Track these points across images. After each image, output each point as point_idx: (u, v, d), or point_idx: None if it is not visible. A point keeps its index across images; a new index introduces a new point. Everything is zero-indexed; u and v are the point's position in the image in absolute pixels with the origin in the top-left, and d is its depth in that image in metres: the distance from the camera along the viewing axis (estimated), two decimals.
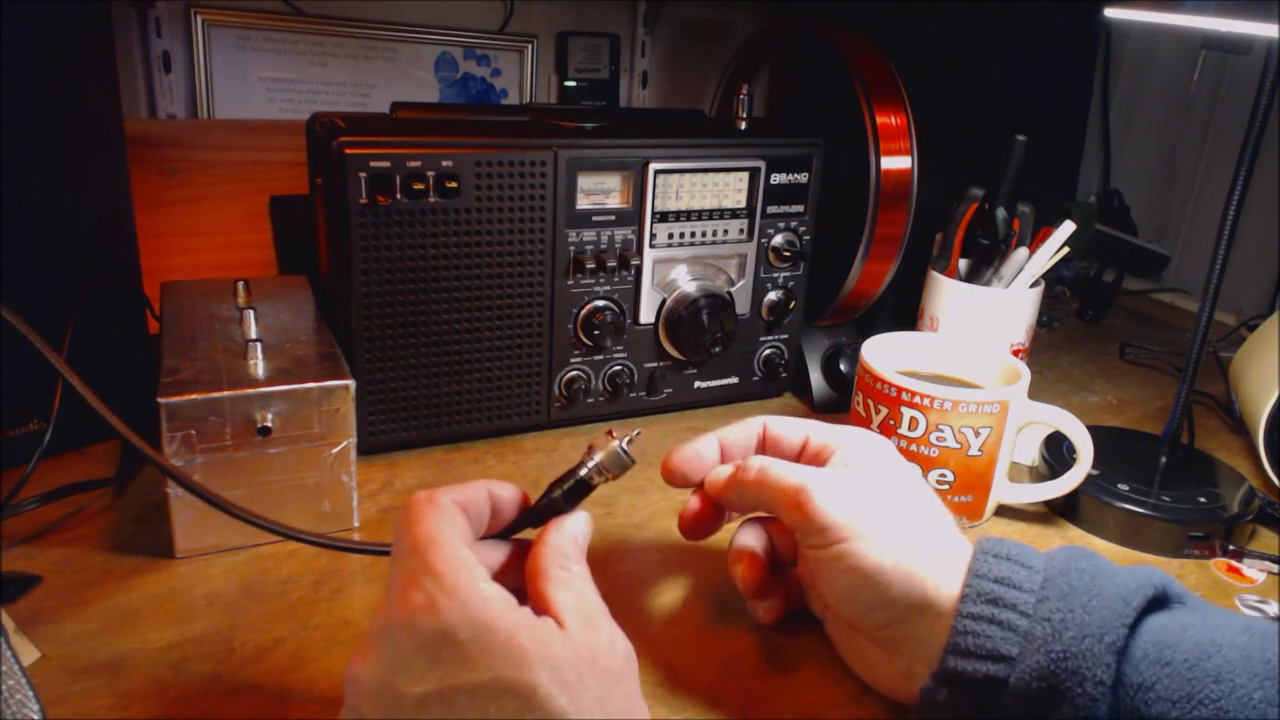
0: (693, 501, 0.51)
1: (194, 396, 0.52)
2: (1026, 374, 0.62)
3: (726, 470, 0.49)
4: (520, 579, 0.39)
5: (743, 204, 0.73)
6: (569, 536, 0.40)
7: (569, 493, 0.42)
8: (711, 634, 0.51)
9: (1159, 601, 0.41)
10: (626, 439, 0.43)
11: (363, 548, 0.49)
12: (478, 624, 0.33)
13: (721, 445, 0.51)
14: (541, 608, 0.36)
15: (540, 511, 0.42)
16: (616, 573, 0.56)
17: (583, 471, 0.42)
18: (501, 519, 0.41)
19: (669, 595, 0.54)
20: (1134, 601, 0.40)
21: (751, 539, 0.51)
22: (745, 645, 0.50)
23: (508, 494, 0.41)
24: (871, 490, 0.45)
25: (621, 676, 0.35)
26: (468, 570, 0.34)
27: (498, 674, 0.32)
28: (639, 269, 0.71)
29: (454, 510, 0.37)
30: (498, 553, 0.41)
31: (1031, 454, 0.72)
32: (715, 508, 0.51)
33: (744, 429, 0.51)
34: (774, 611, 0.51)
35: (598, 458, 0.42)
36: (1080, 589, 0.40)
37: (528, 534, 0.42)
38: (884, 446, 0.49)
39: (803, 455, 0.50)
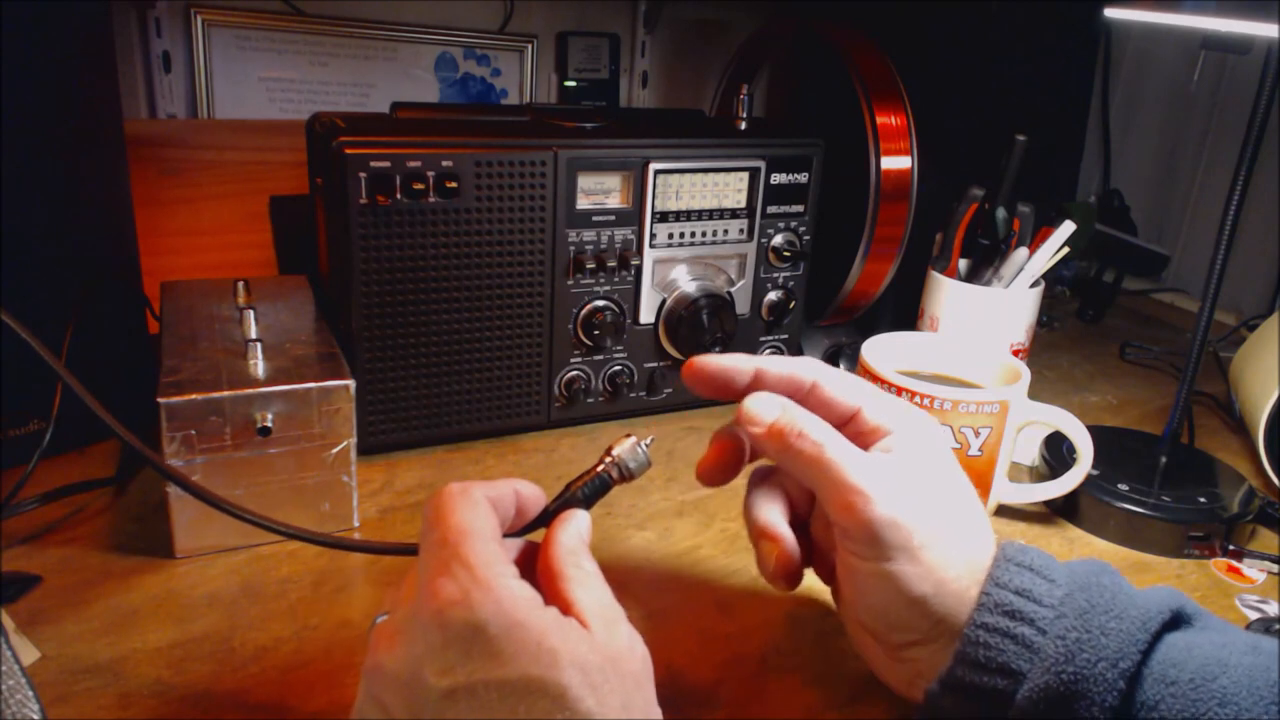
0: (711, 451, 0.46)
1: (194, 396, 0.52)
2: (1026, 374, 0.62)
3: (771, 409, 0.43)
4: (530, 578, 0.38)
5: (743, 204, 0.73)
6: (577, 535, 0.39)
7: (589, 490, 0.42)
8: (711, 633, 0.51)
9: (1174, 621, 0.40)
10: (645, 440, 0.43)
11: (363, 546, 0.49)
12: (509, 620, 0.32)
13: (758, 374, 0.45)
14: (563, 608, 0.35)
15: (557, 511, 0.42)
16: (616, 572, 0.56)
17: (601, 468, 0.43)
18: (522, 518, 0.41)
19: (668, 595, 0.54)
20: (1152, 626, 0.39)
21: (776, 513, 0.46)
22: (745, 645, 0.50)
23: (532, 494, 0.41)
24: (926, 501, 0.41)
25: (641, 681, 0.35)
26: (499, 566, 0.34)
27: (528, 672, 0.32)
28: (639, 269, 0.71)
29: (486, 505, 0.37)
30: (511, 551, 0.40)
31: (1031, 454, 0.72)
32: (736, 454, 0.46)
33: (790, 371, 0.45)
34: (794, 582, 0.46)
35: (618, 456, 0.43)
36: (1100, 607, 0.39)
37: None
38: (937, 436, 0.45)
39: (849, 425, 0.44)
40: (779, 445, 0.43)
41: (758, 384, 0.45)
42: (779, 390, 0.45)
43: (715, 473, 0.47)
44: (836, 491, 0.41)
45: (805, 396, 0.45)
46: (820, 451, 0.42)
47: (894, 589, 0.41)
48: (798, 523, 0.47)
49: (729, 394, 0.45)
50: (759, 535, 0.46)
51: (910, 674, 0.43)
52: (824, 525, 0.47)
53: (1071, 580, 0.41)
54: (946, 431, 0.59)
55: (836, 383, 0.45)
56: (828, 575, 0.48)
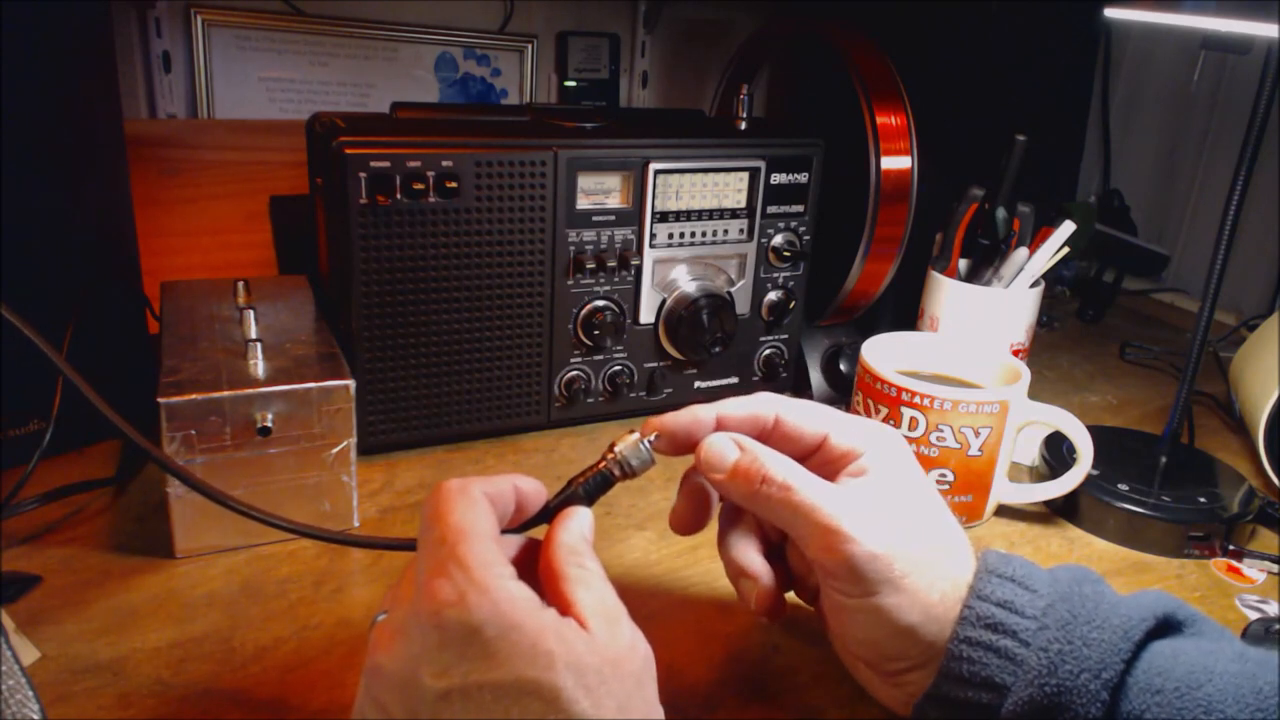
0: (680, 501, 0.47)
1: (194, 396, 0.52)
2: (1026, 374, 0.62)
3: (729, 450, 0.43)
4: (530, 574, 0.38)
5: (743, 204, 0.73)
6: (579, 533, 0.39)
7: (591, 487, 0.42)
8: (711, 634, 0.51)
9: (1163, 627, 0.40)
10: (648, 438, 0.43)
11: (364, 541, 0.50)
12: (506, 622, 0.32)
13: (720, 422, 0.44)
14: (563, 608, 0.35)
15: (558, 507, 0.41)
16: (615, 572, 0.56)
17: (603, 465, 0.43)
18: (522, 514, 0.41)
19: (668, 595, 0.54)
20: (1135, 635, 0.39)
21: (751, 549, 0.46)
22: (745, 645, 0.50)
23: (532, 489, 0.40)
24: (903, 524, 0.41)
25: (642, 680, 0.35)
26: (497, 567, 0.34)
27: (523, 674, 0.32)
28: (639, 269, 0.71)
29: (485, 503, 0.37)
30: (511, 548, 0.40)
31: (1031, 454, 0.72)
32: (706, 498, 0.46)
33: (750, 411, 0.44)
34: (778, 615, 0.46)
35: (620, 452, 0.43)
36: (1082, 617, 0.39)
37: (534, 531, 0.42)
38: (907, 453, 0.45)
39: (817, 453, 0.44)
40: (745, 491, 0.42)
41: (722, 425, 0.44)
42: (743, 426, 0.44)
43: (687, 522, 0.47)
44: (813, 533, 0.41)
45: (770, 432, 0.44)
46: (788, 495, 0.41)
47: (882, 621, 0.41)
48: (773, 550, 0.47)
49: (700, 438, 0.44)
50: (736, 574, 0.46)
51: (906, 696, 0.43)
52: (800, 553, 0.47)
53: (1054, 590, 0.41)
54: (946, 432, 0.59)
55: (799, 413, 0.44)
56: (810, 599, 0.48)
